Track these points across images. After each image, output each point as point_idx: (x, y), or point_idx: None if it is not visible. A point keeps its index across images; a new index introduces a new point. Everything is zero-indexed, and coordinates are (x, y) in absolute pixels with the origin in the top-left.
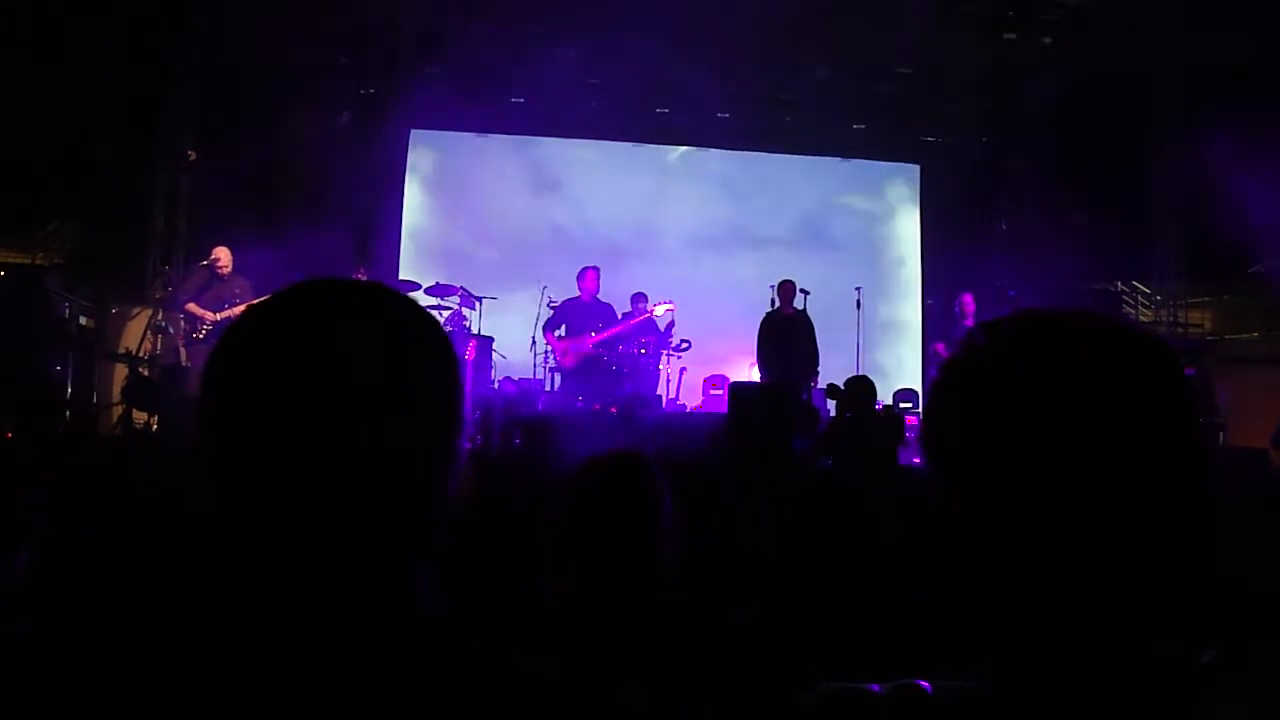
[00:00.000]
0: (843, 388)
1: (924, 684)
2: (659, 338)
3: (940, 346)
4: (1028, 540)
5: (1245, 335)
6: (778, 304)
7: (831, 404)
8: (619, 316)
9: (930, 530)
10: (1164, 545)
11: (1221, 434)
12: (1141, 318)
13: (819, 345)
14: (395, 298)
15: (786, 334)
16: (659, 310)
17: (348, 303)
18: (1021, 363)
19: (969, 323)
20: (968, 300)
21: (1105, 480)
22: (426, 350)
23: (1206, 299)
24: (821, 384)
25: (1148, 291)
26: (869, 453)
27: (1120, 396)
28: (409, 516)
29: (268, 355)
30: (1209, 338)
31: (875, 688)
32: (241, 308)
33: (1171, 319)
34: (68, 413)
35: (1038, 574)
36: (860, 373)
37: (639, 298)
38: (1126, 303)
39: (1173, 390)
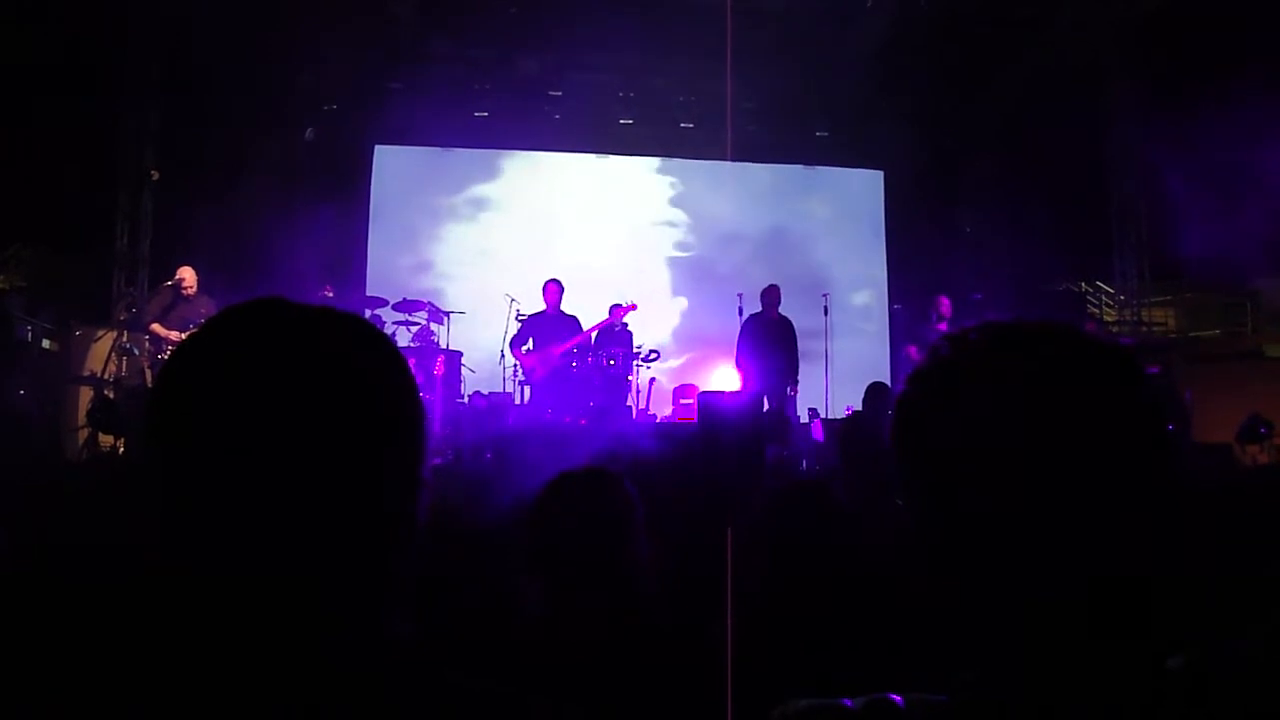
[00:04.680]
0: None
1: (896, 698)
2: (625, 349)
3: (912, 350)
4: (995, 547)
5: (1206, 332)
6: (751, 309)
7: (804, 411)
8: (584, 327)
9: (904, 542)
10: (1133, 549)
11: (1187, 431)
12: (1105, 317)
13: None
14: (350, 319)
15: (771, 338)
16: (623, 318)
17: (299, 326)
18: (986, 375)
19: (943, 326)
20: (944, 303)
21: (1073, 487)
22: (384, 372)
23: (1168, 297)
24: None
25: (1111, 291)
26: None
27: (1083, 405)
28: (374, 544)
29: (217, 382)
30: (1172, 336)
31: (847, 702)
32: None
33: (1134, 318)
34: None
35: (1007, 583)
36: (828, 377)
37: (616, 309)
38: (1090, 303)
39: (1136, 396)
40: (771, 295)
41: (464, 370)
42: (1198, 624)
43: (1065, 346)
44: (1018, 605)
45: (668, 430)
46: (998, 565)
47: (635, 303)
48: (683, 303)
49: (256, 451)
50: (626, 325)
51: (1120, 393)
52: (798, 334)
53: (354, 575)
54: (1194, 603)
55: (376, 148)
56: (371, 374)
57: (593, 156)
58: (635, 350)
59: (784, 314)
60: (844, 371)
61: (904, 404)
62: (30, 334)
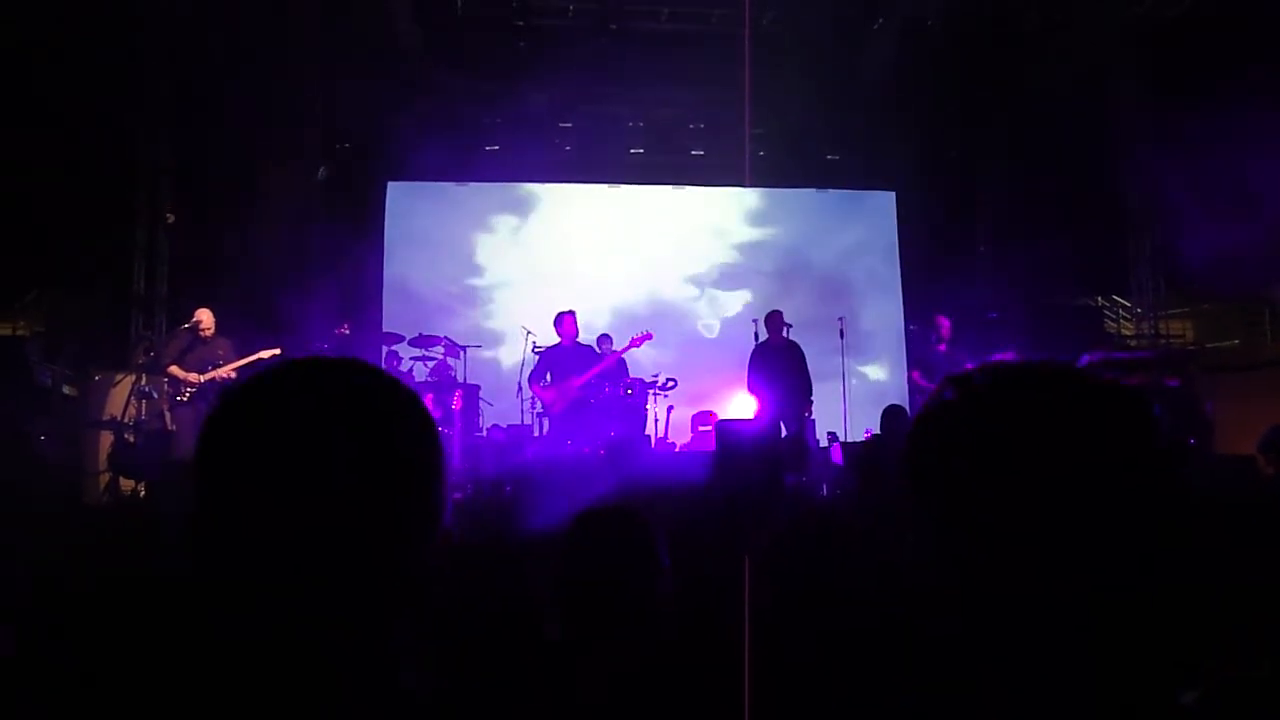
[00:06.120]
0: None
1: None
2: (639, 380)
3: (916, 374)
4: (999, 588)
5: (1226, 343)
6: (765, 335)
7: (823, 436)
8: (601, 358)
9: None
10: (1143, 584)
11: (1209, 442)
12: (1123, 331)
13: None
14: (376, 378)
15: (779, 364)
16: (636, 348)
17: (328, 388)
18: (987, 418)
19: (943, 347)
20: (944, 324)
21: (1077, 526)
22: (407, 433)
23: (1186, 309)
24: (815, 413)
25: (1128, 305)
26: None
27: (1087, 445)
28: (389, 597)
29: (250, 445)
30: (1191, 347)
31: None
32: (226, 369)
33: (1152, 331)
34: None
35: (1012, 623)
36: (845, 400)
37: (604, 339)
38: (1108, 317)
39: (1135, 438)
40: (775, 321)
41: (482, 403)
42: (1217, 639)
43: (1068, 387)
44: (1026, 643)
45: (686, 459)
46: (1002, 607)
47: (650, 332)
48: (699, 329)
49: (281, 504)
50: (616, 354)
51: (1123, 430)
52: (811, 357)
53: (369, 625)
54: (1212, 619)
55: (389, 184)
56: (390, 432)
57: (605, 186)
58: (652, 379)
59: (791, 339)
60: (862, 394)
61: (912, 450)
62: (51, 379)
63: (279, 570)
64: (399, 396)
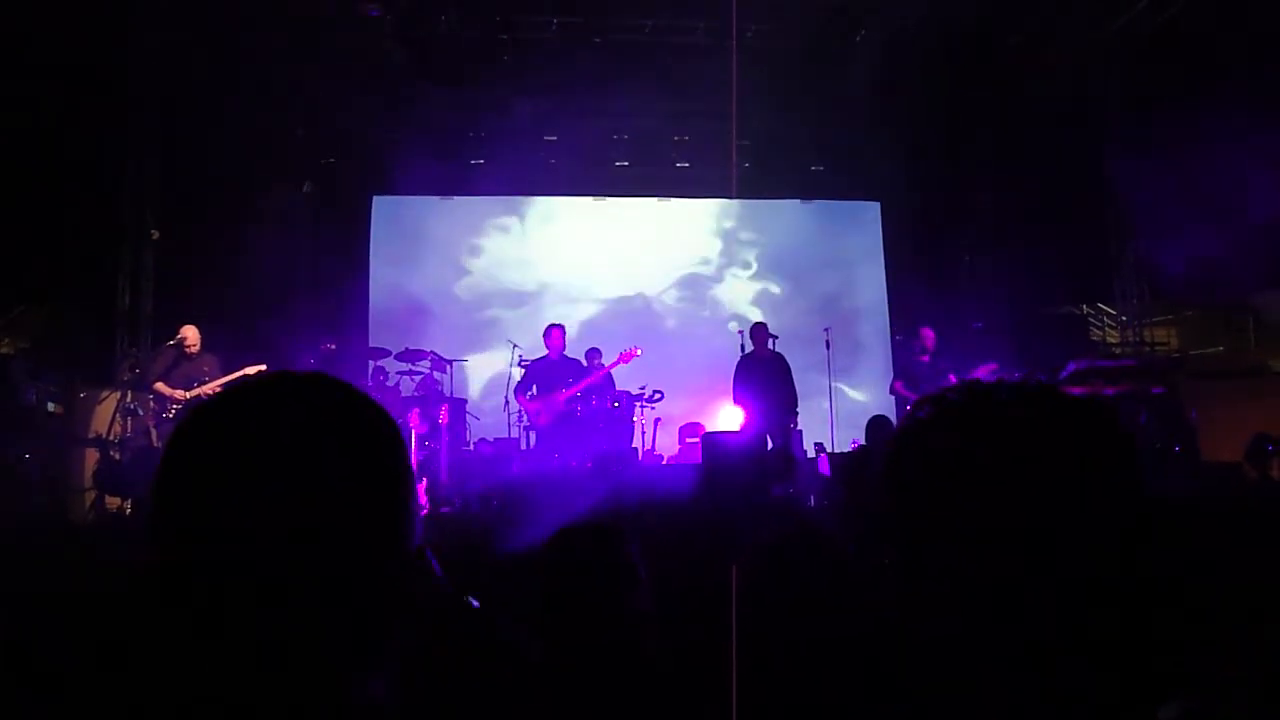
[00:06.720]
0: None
1: None
2: (625, 393)
3: (899, 385)
4: (973, 605)
5: (1210, 350)
6: (750, 347)
7: (810, 447)
8: (588, 371)
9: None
10: (1115, 600)
11: (1194, 449)
12: (1108, 338)
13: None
14: (347, 395)
15: (764, 376)
16: (625, 364)
17: (296, 406)
18: (961, 434)
19: (926, 358)
20: (928, 335)
21: (1048, 542)
22: (377, 453)
23: (1170, 316)
24: (801, 424)
25: (1112, 312)
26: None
27: (1055, 464)
28: (357, 620)
29: (215, 460)
30: (1175, 355)
31: None
32: (211, 385)
33: (1136, 338)
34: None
35: (986, 640)
36: (832, 411)
37: (593, 353)
38: (1093, 325)
39: (1106, 452)
40: (760, 333)
41: (469, 417)
42: (1204, 642)
43: (1041, 407)
44: (1017, 647)
45: (673, 472)
46: (976, 623)
47: (639, 348)
48: (685, 341)
49: (250, 519)
50: (604, 369)
51: (1094, 449)
52: (797, 368)
53: (332, 638)
54: (1198, 621)
55: (375, 198)
56: (354, 446)
57: (590, 199)
58: (639, 391)
59: (776, 350)
60: (848, 405)
61: (889, 466)
62: (35, 397)
63: (241, 578)
64: (364, 411)
